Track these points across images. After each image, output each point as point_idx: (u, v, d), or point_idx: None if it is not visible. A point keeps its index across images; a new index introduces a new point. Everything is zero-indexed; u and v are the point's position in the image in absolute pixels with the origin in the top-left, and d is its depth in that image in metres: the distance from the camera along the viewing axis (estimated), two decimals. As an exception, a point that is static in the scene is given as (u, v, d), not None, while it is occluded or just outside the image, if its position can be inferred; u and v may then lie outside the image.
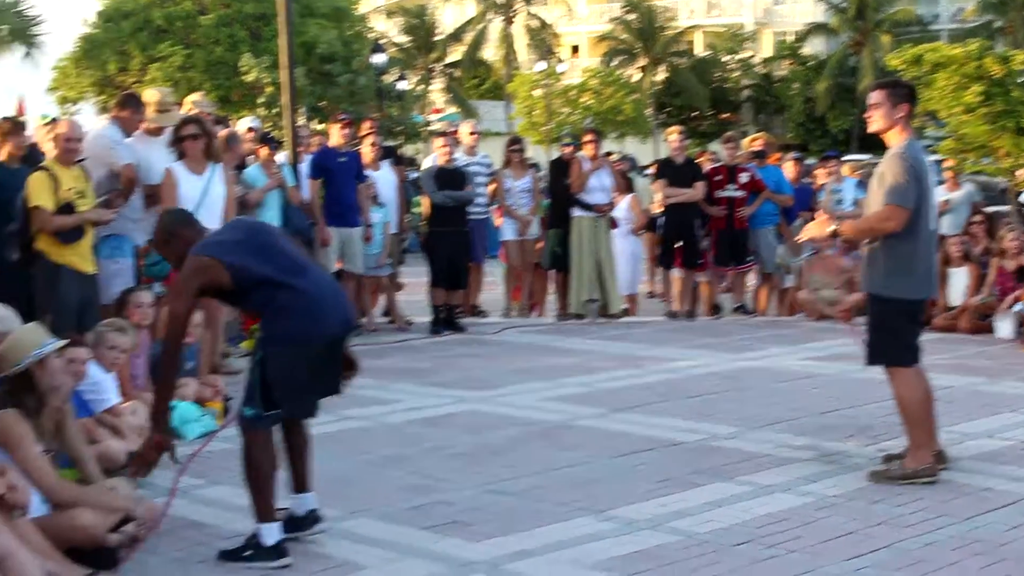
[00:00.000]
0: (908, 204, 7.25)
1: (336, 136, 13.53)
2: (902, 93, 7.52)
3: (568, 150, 15.28)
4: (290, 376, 5.91)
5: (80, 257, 9.52)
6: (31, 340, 6.19)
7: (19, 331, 6.36)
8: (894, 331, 7.49)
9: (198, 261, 5.96)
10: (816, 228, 7.71)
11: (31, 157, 10.71)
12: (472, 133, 15.32)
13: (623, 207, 15.74)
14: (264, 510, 5.95)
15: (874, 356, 7.55)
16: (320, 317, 5.92)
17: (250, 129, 14.04)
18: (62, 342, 6.50)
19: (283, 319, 5.86)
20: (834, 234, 7.64)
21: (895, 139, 7.47)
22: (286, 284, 5.89)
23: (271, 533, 5.92)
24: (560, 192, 14.86)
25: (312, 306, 5.90)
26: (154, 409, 6.26)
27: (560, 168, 15.13)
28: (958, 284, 13.95)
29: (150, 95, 11.12)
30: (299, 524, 6.17)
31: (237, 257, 5.94)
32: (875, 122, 7.53)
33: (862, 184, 15.78)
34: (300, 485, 6.28)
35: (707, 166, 15.88)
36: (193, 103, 12.26)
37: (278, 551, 5.90)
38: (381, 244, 13.85)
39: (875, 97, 7.51)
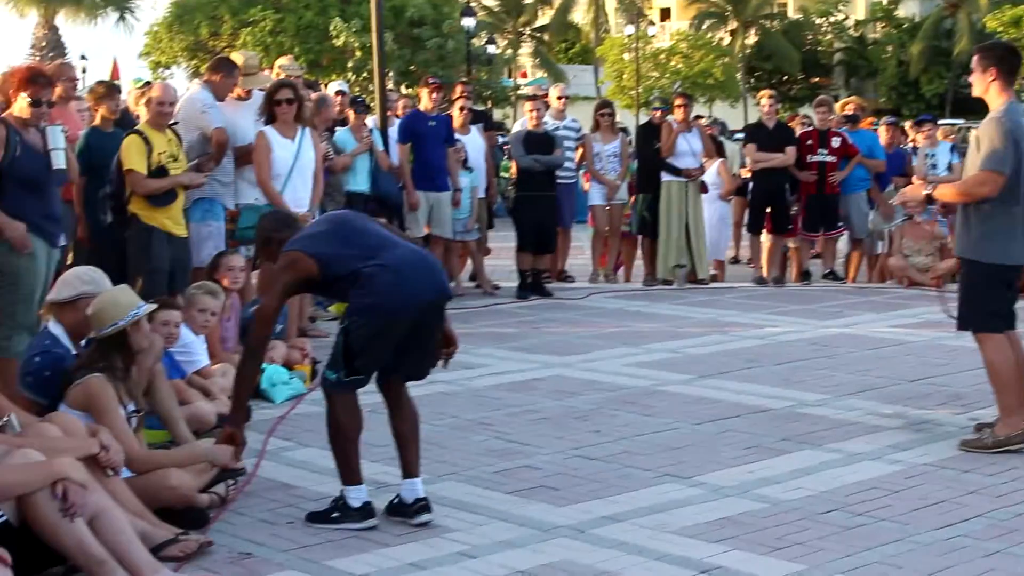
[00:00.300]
0: (1004, 169, 7.14)
1: (426, 100, 13.54)
2: (992, 56, 7.43)
3: (658, 114, 15.18)
4: (372, 347, 5.90)
5: (172, 220, 9.62)
6: (126, 301, 6.26)
7: (111, 292, 6.42)
8: (985, 296, 7.40)
9: (287, 256, 6.03)
10: (911, 192, 7.65)
11: (124, 121, 10.84)
12: (560, 97, 15.27)
13: (712, 172, 15.62)
14: (348, 473, 6.00)
15: (964, 321, 7.46)
16: (406, 289, 5.88)
17: (339, 93, 14.10)
18: (155, 305, 6.58)
19: (369, 292, 5.85)
20: (928, 198, 7.54)
21: (994, 103, 7.36)
22: (372, 261, 5.89)
23: (357, 495, 5.96)
24: (649, 156, 14.78)
25: (398, 279, 5.87)
26: (233, 406, 6.34)
27: (649, 132, 15.04)
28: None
29: (235, 58, 11.22)
30: (405, 511, 6.05)
31: (324, 247, 5.98)
32: (974, 87, 7.52)
33: (956, 148, 15.56)
34: (406, 470, 6.14)
35: (798, 130, 15.71)
36: (281, 67, 12.32)
37: (364, 512, 5.94)
38: (469, 209, 13.85)
39: (972, 62, 7.53)
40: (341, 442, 5.99)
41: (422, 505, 6.00)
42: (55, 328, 6.53)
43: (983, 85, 7.40)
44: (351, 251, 5.95)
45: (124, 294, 6.39)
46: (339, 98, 13.70)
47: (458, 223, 13.63)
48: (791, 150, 14.85)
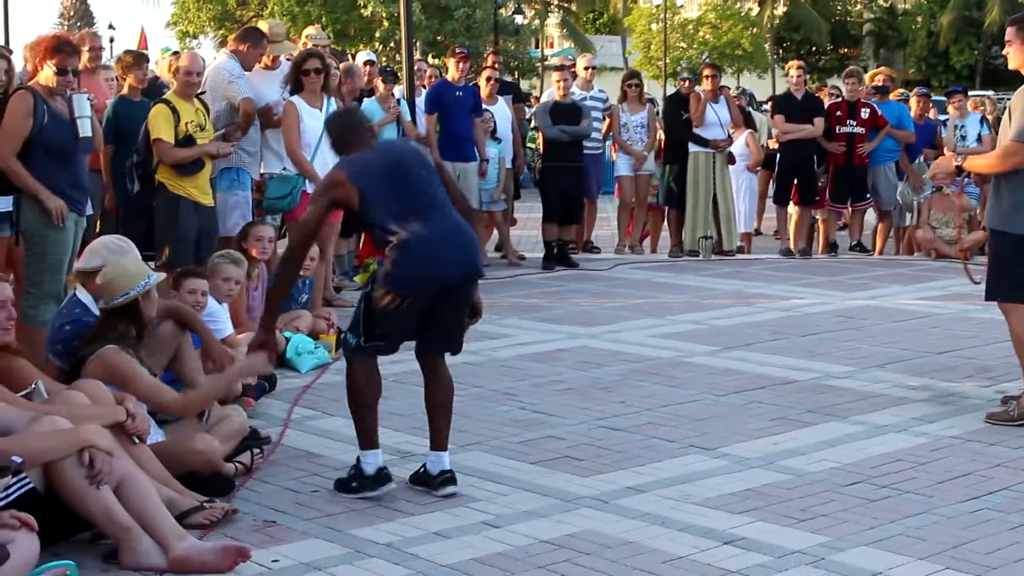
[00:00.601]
0: None
1: (453, 70, 13.51)
2: None
3: (686, 85, 15.12)
4: (392, 317, 5.86)
5: (199, 189, 9.65)
6: (135, 271, 6.26)
7: (120, 262, 6.38)
8: (1014, 267, 7.35)
9: (335, 175, 6.02)
10: (943, 163, 7.61)
11: (153, 90, 10.87)
12: (588, 68, 15.22)
13: (740, 143, 15.57)
14: (363, 438, 6.00)
15: (993, 292, 7.43)
16: (434, 267, 5.82)
17: (368, 63, 14.09)
18: (163, 275, 6.59)
19: (395, 261, 5.81)
20: (959, 169, 7.50)
21: None
22: (411, 226, 5.83)
23: (372, 461, 5.95)
24: (676, 127, 14.73)
25: (429, 255, 5.81)
26: (265, 310, 6.35)
27: (677, 103, 14.98)
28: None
29: (261, 27, 11.22)
30: (429, 482, 6.01)
31: (372, 185, 5.90)
32: (1011, 59, 7.43)
33: (985, 120, 15.46)
34: (435, 442, 6.08)
35: (827, 102, 15.63)
36: (308, 36, 12.32)
37: (378, 479, 5.93)
38: (496, 179, 13.84)
39: (1009, 34, 7.42)
40: (358, 407, 6.00)
41: (447, 477, 5.98)
42: (84, 296, 6.55)
43: (1022, 57, 7.34)
44: (395, 206, 5.88)
45: (133, 263, 6.40)
46: (367, 68, 13.70)
47: (485, 193, 13.61)
48: (819, 121, 14.78)
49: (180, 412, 6.15)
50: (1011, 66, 7.50)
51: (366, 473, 5.95)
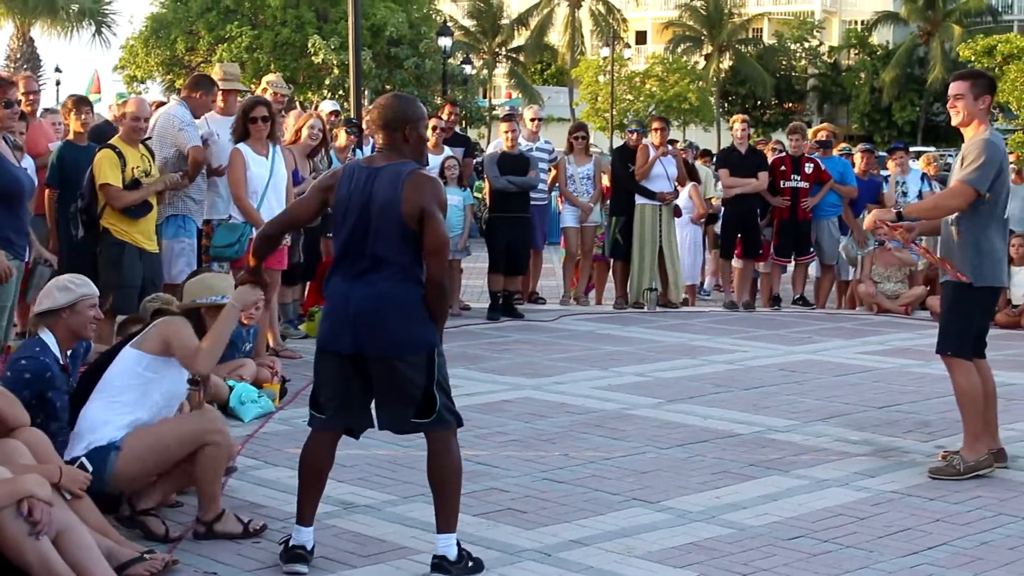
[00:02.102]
0: (980, 188, 7.18)
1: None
2: (984, 84, 7.45)
3: (634, 137, 15.23)
4: (320, 382, 5.64)
5: (144, 235, 9.61)
6: (216, 285, 6.41)
7: (206, 276, 6.61)
8: (971, 321, 7.46)
9: (336, 168, 5.88)
10: (880, 214, 7.64)
11: (106, 134, 10.84)
12: (534, 119, 15.29)
13: (684, 196, 15.68)
14: (297, 507, 5.73)
15: (945, 344, 7.45)
16: (332, 324, 5.56)
17: (333, 112, 14.08)
18: (227, 299, 6.50)
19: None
20: (899, 216, 7.53)
21: (974, 131, 7.39)
22: (331, 274, 5.63)
23: (293, 535, 5.68)
24: (623, 179, 14.82)
25: (328, 310, 5.61)
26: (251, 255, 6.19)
27: (625, 155, 15.09)
28: (1021, 282, 13.80)
29: (215, 72, 11.23)
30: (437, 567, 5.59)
31: (339, 198, 5.55)
32: (958, 114, 7.42)
33: (927, 177, 15.67)
34: (439, 525, 5.65)
35: (771, 156, 15.79)
36: (268, 83, 12.31)
37: (289, 556, 5.61)
38: (461, 226, 13.80)
39: (958, 88, 7.40)
40: (298, 477, 5.73)
41: (440, 564, 5.56)
42: (46, 336, 6.50)
43: (973, 111, 7.37)
44: (335, 238, 5.63)
45: (219, 279, 6.53)
46: (331, 118, 13.65)
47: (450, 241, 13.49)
48: (763, 175, 14.94)
49: (206, 363, 6.11)
50: (956, 122, 7.47)
51: (288, 543, 5.68)
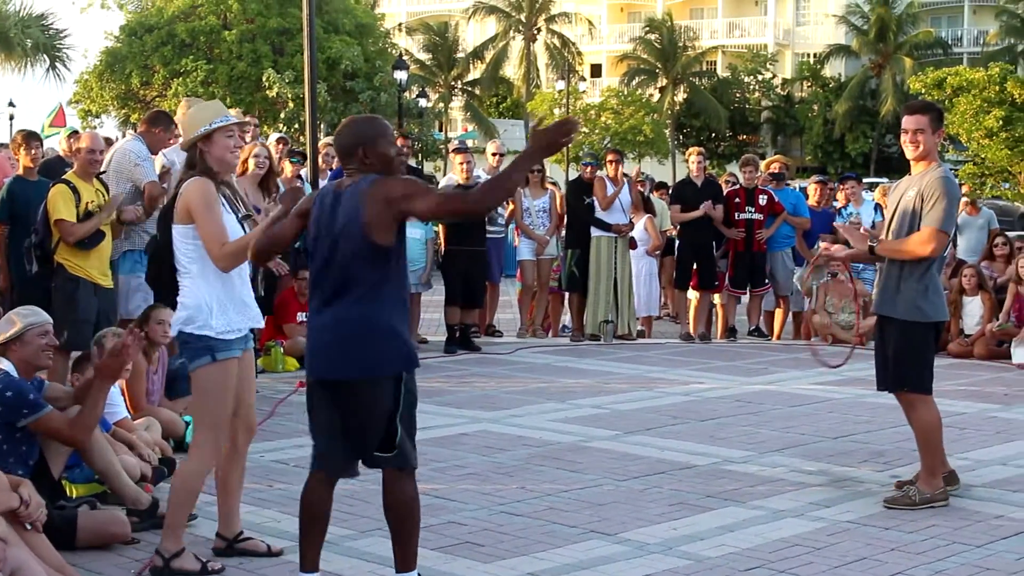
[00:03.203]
0: (949, 229, 7.30)
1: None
2: (939, 117, 7.53)
3: (588, 170, 15.30)
4: (311, 415, 5.60)
5: (99, 271, 9.58)
6: (216, 111, 6.27)
7: (198, 106, 6.44)
8: (926, 355, 7.50)
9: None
10: (857, 240, 7.60)
11: (56, 169, 10.79)
12: (496, 153, 15.30)
13: (640, 227, 15.77)
14: (301, 556, 5.64)
15: (904, 381, 7.47)
16: (309, 356, 5.55)
17: (280, 140, 14.08)
18: (235, 118, 6.40)
19: None
20: (871, 250, 7.51)
21: (925, 166, 7.42)
22: (310, 299, 5.59)
23: None
24: (579, 212, 14.87)
25: (308, 340, 5.58)
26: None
27: (579, 188, 15.14)
28: (973, 312, 13.94)
29: (182, 105, 11.20)
30: None
31: (312, 223, 5.52)
32: (918, 148, 7.40)
33: (880, 208, 15.79)
34: (396, 564, 5.60)
35: (725, 188, 15.90)
36: (226, 119, 12.28)
37: None
38: (423, 260, 13.81)
39: (919, 123, 7.38)
40: (299, 521, 5.62)
41: None
42: (5, 363, 6.48)
43: (931, 146, 7.41)
44: (310, 266, 5.60)
45: (212, 107, 6.37)
46: (279, 147, 13.64)
47: (412, 275, 13.53)
48: (719, 207, 15.03)
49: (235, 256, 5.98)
50: (915, 155, 7.42)
51: None
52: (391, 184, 5.36)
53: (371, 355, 5.36)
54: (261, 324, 6.36)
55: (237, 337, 6.05)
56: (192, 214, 5.98)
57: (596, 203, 14.65)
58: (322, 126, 38.84)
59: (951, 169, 7.76)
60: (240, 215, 6.16)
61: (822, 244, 12.69)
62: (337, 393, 5.43)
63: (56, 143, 17.80)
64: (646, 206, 16.29)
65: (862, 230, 7.76)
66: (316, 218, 5.48)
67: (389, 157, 5.51)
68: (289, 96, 42.57)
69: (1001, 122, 27.84)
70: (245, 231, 6.05)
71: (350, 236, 5.32)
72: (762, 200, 15.14)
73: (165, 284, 6.28)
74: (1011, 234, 17.78)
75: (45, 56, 53.66)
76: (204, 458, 6.07)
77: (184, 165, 6.31)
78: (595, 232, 14.68)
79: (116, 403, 7.96)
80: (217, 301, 5.98)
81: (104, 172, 10.08)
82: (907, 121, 7.44)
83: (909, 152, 7.47)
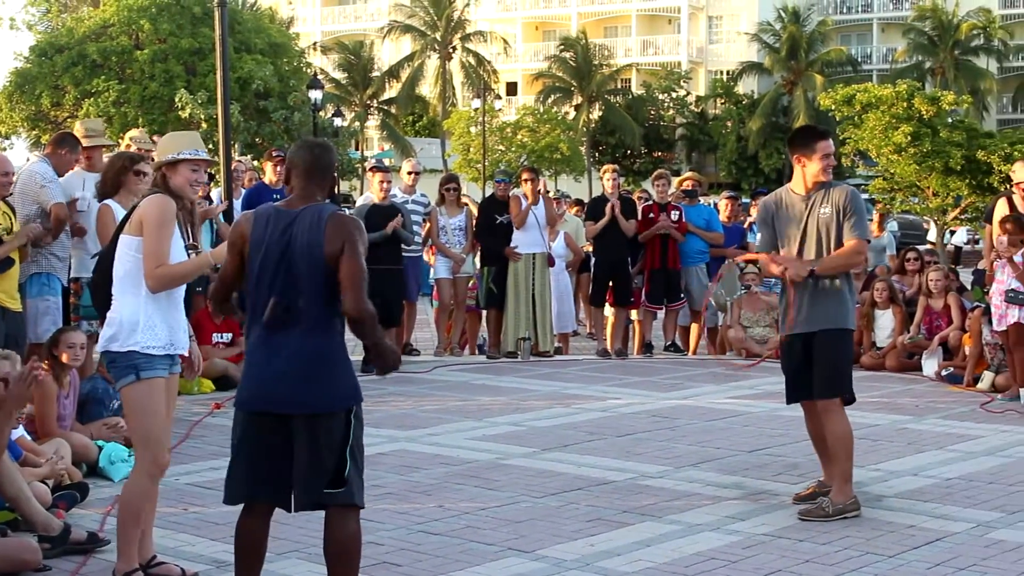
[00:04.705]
0: (870, 238, 7.58)
1: (270, 173, 13.47)
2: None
3: (500, 187, 15.31)
4: (237, 449, 5.41)
5: (6, 294, 9.45)
6: (186, 143, 6.32)
7: (177, 135, 6.52)
8: (850, 363, 7.77)
9: (241, 216, 5.72)
10: (798, 267, 7.62)
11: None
12: (411, 173, 15.29)
13: (559, 244, 15.81)
14: None
15: (837, 389, 7.62)
16: (248, 381, 5.39)
17: None
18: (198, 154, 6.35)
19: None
20: (811, 273, 7.59)
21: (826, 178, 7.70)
22: (250, 326, 5.43)
23: None
24: (492, 230, 14.87)
25: (248, 366, 5.44)
26: None
27: (491, 206, 15.15)
28: (885, 325, 14.13)
29: (78, 129, 11.08)
30: None
31: (254, 240, 5.38)
32: (806, 175, 7.66)
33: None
34: None
35: (639, 205, 15.99)
36: (132, 139, 12.18)
37: None
38: None
39: (829, 143, 7.70)
40: (234, 553, 5.53)
41: None
42: None
43: (817, 170, 7.64)
44: (250, 286, 5.39)
45: (189, 137, 6.41)
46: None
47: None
48: (632, 223, 15.11)
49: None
50: (829, 177, 7.65)
51: None
52: (351, 225, 5.33)
53: (332, 386, 5.29)
54: (186, 352, 6.30)
55: (161, 355, 5.98)
56: (144, 227, 5.95)
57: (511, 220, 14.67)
58: (236, 146, 38.58)
59: (859, 186, 7.96)
60: (187, 244, 6.15)
61: (738, 258, 12.83)
62: (285, 426, 5.28)
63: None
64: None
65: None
66: (262, 238, 5.33)
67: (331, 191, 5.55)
68: (202, 116, 42.26)
69: (909, 137, 28.22)
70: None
71: (311, 260, 5.23)
72: (675, 215, 15.24)
73: (103, 297, 6.19)
74: (923, 247, 18.07)
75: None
76: (143, 474, 6.04)
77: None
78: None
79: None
80: (145, 316, 5.95)
81: (11, 194, 9.94)
82: (823, 145, 7.66)
83: (825, 176, 7.65)
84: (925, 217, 31.05)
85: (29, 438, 7.96)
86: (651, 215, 15.28)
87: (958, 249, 36.76)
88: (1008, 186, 12.87)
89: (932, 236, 32.51)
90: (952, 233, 36.33)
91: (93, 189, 10.37)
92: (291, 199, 5.44)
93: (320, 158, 5.44)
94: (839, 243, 7.54)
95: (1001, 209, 12.35)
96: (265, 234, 5.33)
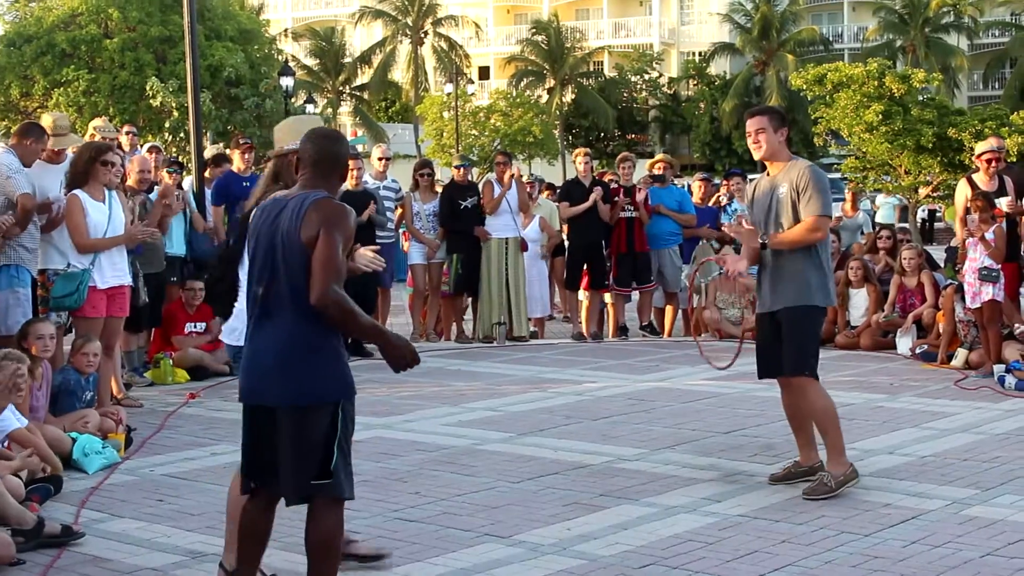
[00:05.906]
0: (831, 213, 7.65)
1: (238, 161, 13.42)
2: (779, 118, 7.88)
3: (459, 172, 15.28)
4: (244, 435, 5.41)
5: (-25, 288, 9.38)
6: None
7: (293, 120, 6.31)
8: (816, 341, 7.79)
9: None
10: (748, 237, 7.72)
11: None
12: (382, 158, 15.26)
13: (534, 228, 15.79)
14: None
15: (802, 366, 7.66)
16: (244, 379, 5.37)
17: (152, 148, 13.89)
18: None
19: None
20: (763, 246, 7.64)
21: (784, 162, 7.73)
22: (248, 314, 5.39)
23: None
24: (456, 215, 14.82)
25: (244, 360, 5.41)
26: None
27: (454, 191, 15.09)
28: (859, 304, 14.16)
29: (45, 120, 10.97)
30: None
31: (252, 230, 5.38)
32: (760, 148, 7.74)
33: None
34: None
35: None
36: (96, 128, 12.11)
37: None
38: None
39: (759, 123, 7.73)
40: (237, 538, 5.53)
41: None
42: None
43: (775, 144, 7.71)
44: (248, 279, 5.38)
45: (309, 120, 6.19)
46: (153, 155, 13.45)
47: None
48: (606, 208, 15.08)
49: None
50: (761, 155, 7.79)
51: None
52: (332, 211, 5.21)
53: (319, 376, 5.20)
54: None
55: None
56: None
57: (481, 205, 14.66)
58: (208, 134, 38.42)
59: (831, 165, 7.97)
60: None
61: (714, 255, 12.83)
62: (274, 418, 5.23)
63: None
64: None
65: (745, 223, 7.85)
66: (256, 228, 5.31)
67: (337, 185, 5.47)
68: (173, 105, 42.01)
69: (881, 116, 28.31)
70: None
71: (291, 247, 5.14)
72: (640, 197, 15.21)
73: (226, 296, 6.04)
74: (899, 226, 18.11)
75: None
76: None
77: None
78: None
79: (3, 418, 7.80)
80: None
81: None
82: (749, 123, 7.80)
83: (756, 153, 7.80)
84: (898, 195, 31.13)
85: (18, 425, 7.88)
86: (615, 198, 15.22)
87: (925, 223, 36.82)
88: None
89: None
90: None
91: (58, 180, 10.32)
92: (293, 188, 5.42)
93: (325, 149, 5.39)
94: (797, 220, 7.57)
95: (962, 190, 12.47)
96: (259, 224, 5.32)
